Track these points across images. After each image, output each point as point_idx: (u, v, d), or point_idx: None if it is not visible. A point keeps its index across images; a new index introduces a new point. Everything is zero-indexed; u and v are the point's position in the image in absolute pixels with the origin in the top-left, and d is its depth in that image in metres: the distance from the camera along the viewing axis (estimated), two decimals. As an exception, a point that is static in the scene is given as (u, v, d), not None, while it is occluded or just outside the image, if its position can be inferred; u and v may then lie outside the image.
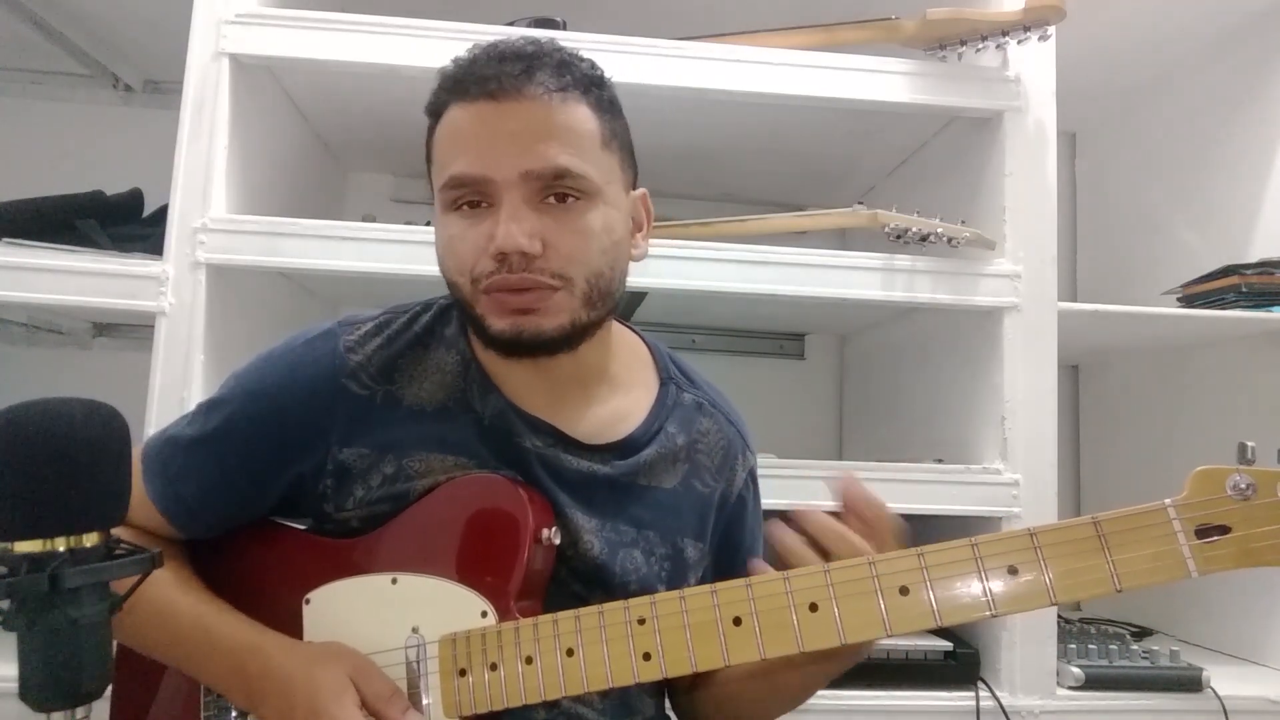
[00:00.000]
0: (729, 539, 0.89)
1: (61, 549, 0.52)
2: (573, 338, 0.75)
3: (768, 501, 1.23)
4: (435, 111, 0.77)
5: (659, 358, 0.90)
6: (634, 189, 0.82)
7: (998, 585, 0.64)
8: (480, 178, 0.71)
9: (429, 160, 0.78)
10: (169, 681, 0.82)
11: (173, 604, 0.76)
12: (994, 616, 0.64)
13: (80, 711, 0.53)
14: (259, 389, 0.79)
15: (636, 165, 0.83)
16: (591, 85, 0.76)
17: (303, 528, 0.84)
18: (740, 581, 0.69)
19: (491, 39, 1.28)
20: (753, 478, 0.92)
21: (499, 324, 0.72)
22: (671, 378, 0.89)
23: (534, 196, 0.72)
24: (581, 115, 0.74)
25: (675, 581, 0.84)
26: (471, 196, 0.73)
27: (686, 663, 0.68)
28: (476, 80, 0.72)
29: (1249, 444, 0.62)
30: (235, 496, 0.80)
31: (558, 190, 0.72)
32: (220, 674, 0.75)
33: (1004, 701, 1.24)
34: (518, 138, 0.71)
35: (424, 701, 0.74)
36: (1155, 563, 0.61)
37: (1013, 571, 0.64)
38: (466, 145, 0.72)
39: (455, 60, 0.76)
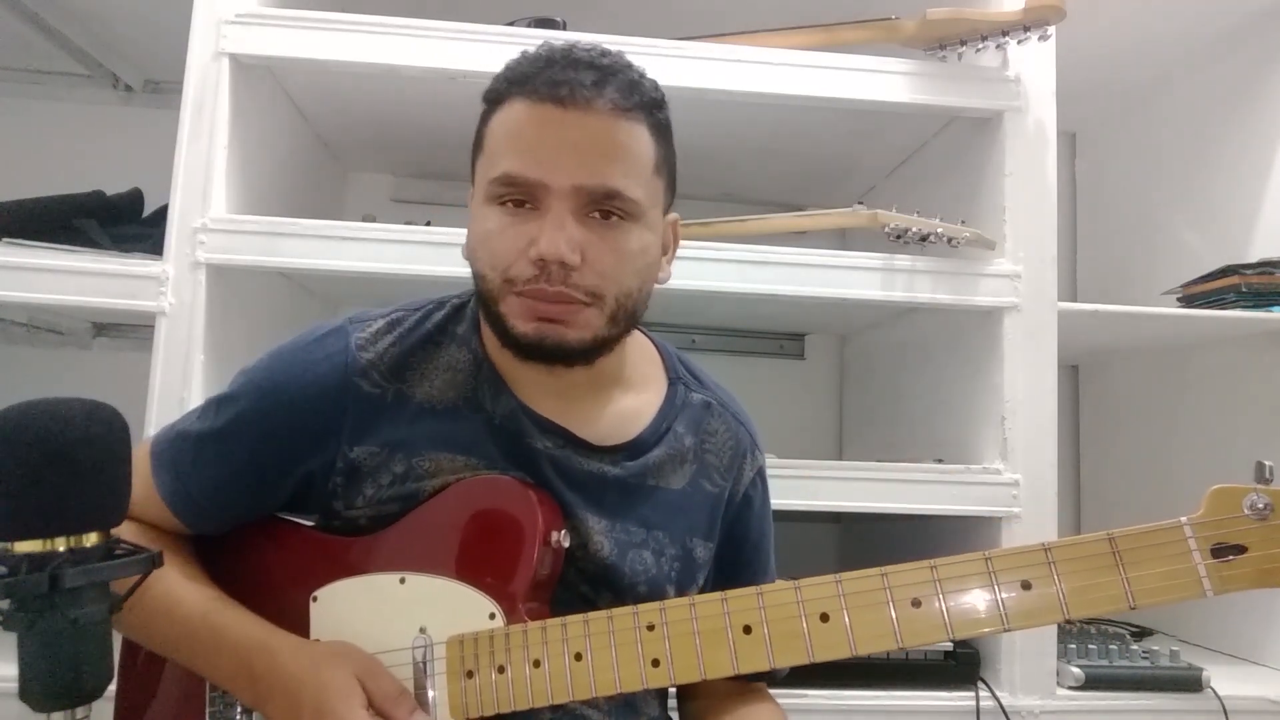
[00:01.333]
0: (731, 536, 0.89)
1: (61, 549, 0.52)
2: (592, 351, 0.76)
3: (768, 501, 1.22)
4: (495, 99, 0.76)
5: (667, 358, 0.90)
6: (668, 213, 0.83)
7: (1011, 600, 0.63)
8: (534, 181, 0.71)
9: (478, 146, 0.77)
10: (173, 680, 0.82)
11: (180, 600, 0.76)
12: (1006, 631, 0.64)
13: (80, 711, 0.53)
14: (269, 386, 0.79)
15: (675, 190, 0.83)
16: (654, 108, 0.76)
17: (310, 524, 0.84)
18: (751, 590, 0.68)
19: (491, 39, 1.29)
20: (761, 477, 0.92)
21: (523, 326, 0.73)
22: (680, 378, 0.89)
23: (581, 209, 0.72)
24: (641, 138, 0.74)
25: (684, 582, 0.84)
26: (518, 195, 0.72)
27: (695, 670, 0.68)
28: (547, 82, 0.71)
29: (1267, 463, 0.61)
30: (244, 493, 0.80)
31: (604, 208, 0.73)
32: (227, 671, 0.75)
33: (1004, 701, 1.24)
34: (577, 149, 0.71)
35: (430, 702, 0.73)
36: (1170, 580, 0.61)
37: (1026, 586, 0.63)
38: (525, 146, 0.72)
39: (525, 54, 0.76)
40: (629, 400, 0.85)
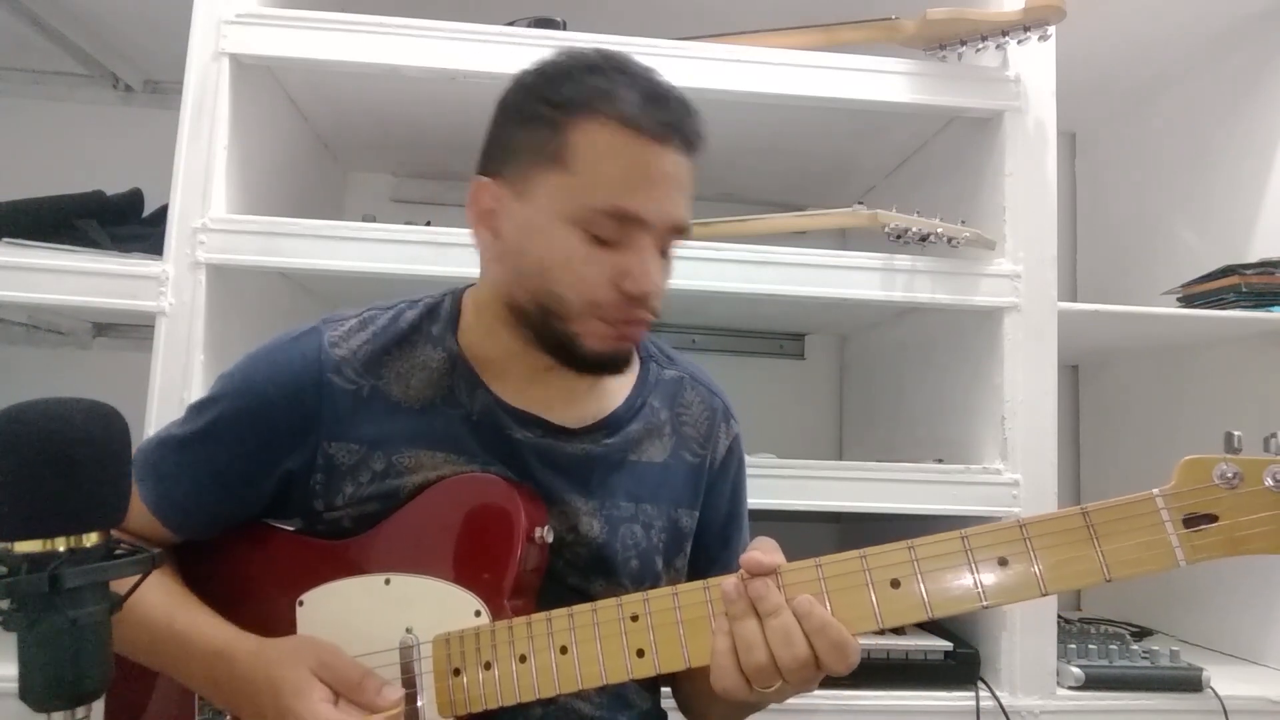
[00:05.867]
0: (709, 503, 0.91)
1: (61, 549, 0.52)
2: None
3: (767, 501, 1.23)
4: (576, 109, 0.72)
5: None
6: None
7: (988, 576, 0.64)
8: (646, 222, 0.73)
9: (554, 157, 0.73)
10: (163, 679, 0.82)
11: (150, 608, 0.76)
12: (985, 608, 0.64)
13: (80, 711, 0.53)
14: (245, 387, 0.80)
15: None
16: None
17: (294, 530, 0.84)
18: (733, 576, 0.69)
19: (491, 39, 1.28)
20: (737, 445, 0.94)
21: (600, 346, 0.76)
22: (651, 356, 0.91)
23: (659, 244, 0.75)
24: None
25: (672, 552, 0.86)
26: (614, 228, 0.73)
27: (680, 659, 0.69)
28: (655, 121, 0.72)
29: (1235, 433, 0.63)
30: (227, 495, 0.81)
31: (669, 243, 0.77)
32: (197, 678, 0.76)
33: (1004, 701, 1.24)
34: (676, 188, 0.74)
35: (419, 701, 0.74)
36: (1144, 552, 0.62)
37: (1003, 563, 0.64)
38: (646, 186, 0.72)
39: (602, 65, 0.74)
40: (604, 381, 0.86)
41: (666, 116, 0.72)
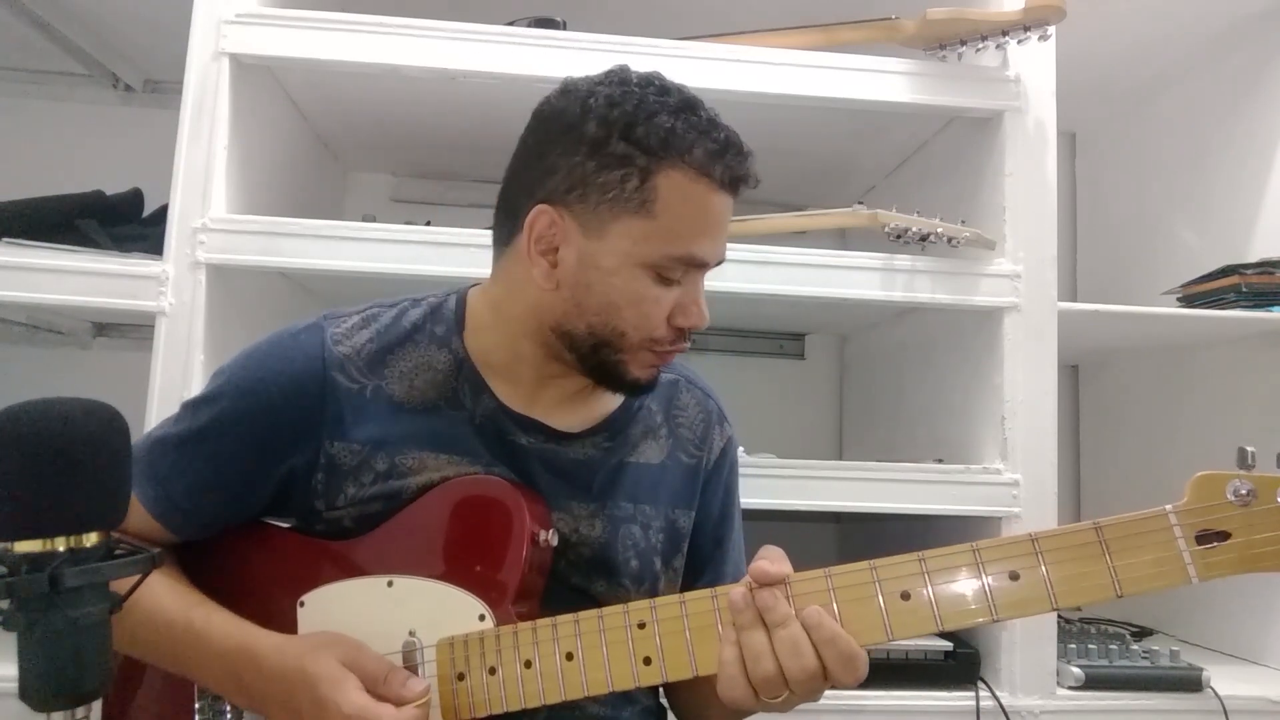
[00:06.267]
0: (703, 504, 0.91)
1: (61, 549, 0.52)
2: None
3: (767, 501, 1.22)
4: (658, 152, 0.73)
5: None
6: None
7: (999, 590, 0.64)
8: (707, 264, 0.78)
9: (640, 202, 0.73)
10: (160, 678, 0.81)
11: (163, 609, 0.75)
12: (995, 621, 0.64)
13: (80, 712, 0.53)
14: (247, 385, 0.79)
15: None
16: None
17: (296, 529, 0.83)
18: (741, 585, 0.69)
19: (491, 39, 1.28)
20: (731, 446, 0.95)
21: (643, 373, 0.80)
22: None
23: None
24: None
25: (670, 553, 0.87)
26: (681, 271, 0.76)
27: (687, 667, 0.68)
28: (740, 177, 0.76)
29: (1249, 449, 0.62)
30: (227, 494, 0.80)
31: None
32: (217, 679, 0.75)
33: (1004, 701, 1.24)
34: (727, 228, 0.79)
35: None
36: (1156, 568, 0.62)
37: (1014, 576, 0.63)
38: (712, 231, 0.77)
39: (695, 114, 0.75)
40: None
41: (735, 167, 0.75)
